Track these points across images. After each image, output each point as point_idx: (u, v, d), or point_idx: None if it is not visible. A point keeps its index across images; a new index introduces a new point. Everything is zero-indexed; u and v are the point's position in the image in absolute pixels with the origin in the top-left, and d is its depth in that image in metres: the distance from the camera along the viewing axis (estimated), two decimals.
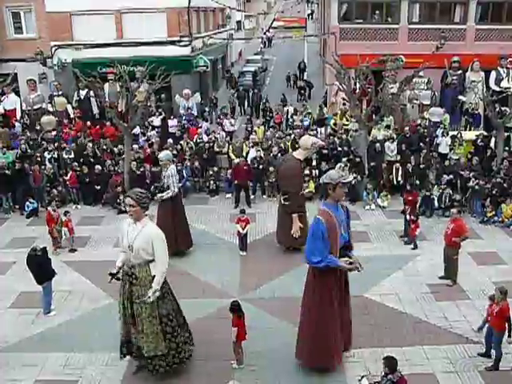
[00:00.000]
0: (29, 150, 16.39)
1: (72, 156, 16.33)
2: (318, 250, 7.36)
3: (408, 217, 12.41)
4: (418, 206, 13.56)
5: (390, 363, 6.71)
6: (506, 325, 7.96)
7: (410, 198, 12.84)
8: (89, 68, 18.00)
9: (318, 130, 18.62)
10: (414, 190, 13.45)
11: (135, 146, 16.53)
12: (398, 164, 15.46)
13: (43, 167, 15.52)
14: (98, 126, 18.74)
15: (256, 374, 8.13)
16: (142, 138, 17.71)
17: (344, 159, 15.57)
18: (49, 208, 12.93)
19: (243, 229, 12.04)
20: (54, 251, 12.26)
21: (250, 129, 18.51)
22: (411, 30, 21.06)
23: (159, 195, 11.66)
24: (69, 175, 15.51)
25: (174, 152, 16.12)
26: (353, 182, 15.15)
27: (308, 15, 62.48)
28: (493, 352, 8.22)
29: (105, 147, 16.99)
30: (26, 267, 9.91)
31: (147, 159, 16.07)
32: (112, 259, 11.81)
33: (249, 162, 15.72)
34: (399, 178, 15.30)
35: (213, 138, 17.18)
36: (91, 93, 19.17)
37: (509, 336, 7.98)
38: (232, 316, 8.01)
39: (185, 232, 12.16)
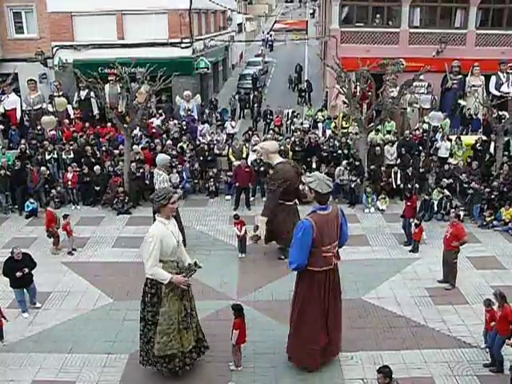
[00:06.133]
0: (28, 151, 16.38)
1: (71, 156, 16.32)
2: None
3: (413, 225, 12.39)
4: (417, 210, 13.56)
5: (388, 372, 6.61)
6: None
7: (409, 204, 12.84)
8: (89, 69, 17.96)
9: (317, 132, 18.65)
10: (413, 195, 13.44)
11: (135, 147, 16.52)
12: (396, 168, 15.49)
13: (41, 168, 15.49)
14: (98, 127, 18.74)
15: (254, 375, 8.13)
16: (144, 140, 17.66)
17: (344, 162, 15.63)
18: (49, 208, 12.91)
19: (240, 230, 12.06)
20: (55, 250, 12.37)
21: (250, 133, 18.44)
22: (412, 33, 21.12)
23: None
24: (71, 175, 15.42)
25: (174, 152, 16.15)
26: (352, 185, 15.28)
27: (310, 14, 63.03)
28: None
29: (104, 148, 16.97)
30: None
31: (147, 160, 16.05)
32: (111, 260, 12.00)
33: (249, 164, 15.72)
34: (398, 182, 15.32)
35: (214, 141, 17.18)
36: (92, 93, 19.15)
37: (508, 338, 7.90)
38: (234, 318, 8.00)
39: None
